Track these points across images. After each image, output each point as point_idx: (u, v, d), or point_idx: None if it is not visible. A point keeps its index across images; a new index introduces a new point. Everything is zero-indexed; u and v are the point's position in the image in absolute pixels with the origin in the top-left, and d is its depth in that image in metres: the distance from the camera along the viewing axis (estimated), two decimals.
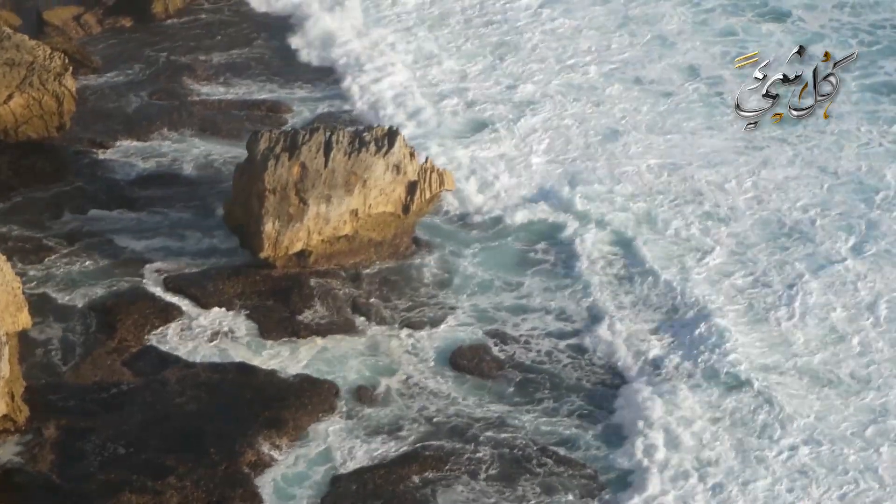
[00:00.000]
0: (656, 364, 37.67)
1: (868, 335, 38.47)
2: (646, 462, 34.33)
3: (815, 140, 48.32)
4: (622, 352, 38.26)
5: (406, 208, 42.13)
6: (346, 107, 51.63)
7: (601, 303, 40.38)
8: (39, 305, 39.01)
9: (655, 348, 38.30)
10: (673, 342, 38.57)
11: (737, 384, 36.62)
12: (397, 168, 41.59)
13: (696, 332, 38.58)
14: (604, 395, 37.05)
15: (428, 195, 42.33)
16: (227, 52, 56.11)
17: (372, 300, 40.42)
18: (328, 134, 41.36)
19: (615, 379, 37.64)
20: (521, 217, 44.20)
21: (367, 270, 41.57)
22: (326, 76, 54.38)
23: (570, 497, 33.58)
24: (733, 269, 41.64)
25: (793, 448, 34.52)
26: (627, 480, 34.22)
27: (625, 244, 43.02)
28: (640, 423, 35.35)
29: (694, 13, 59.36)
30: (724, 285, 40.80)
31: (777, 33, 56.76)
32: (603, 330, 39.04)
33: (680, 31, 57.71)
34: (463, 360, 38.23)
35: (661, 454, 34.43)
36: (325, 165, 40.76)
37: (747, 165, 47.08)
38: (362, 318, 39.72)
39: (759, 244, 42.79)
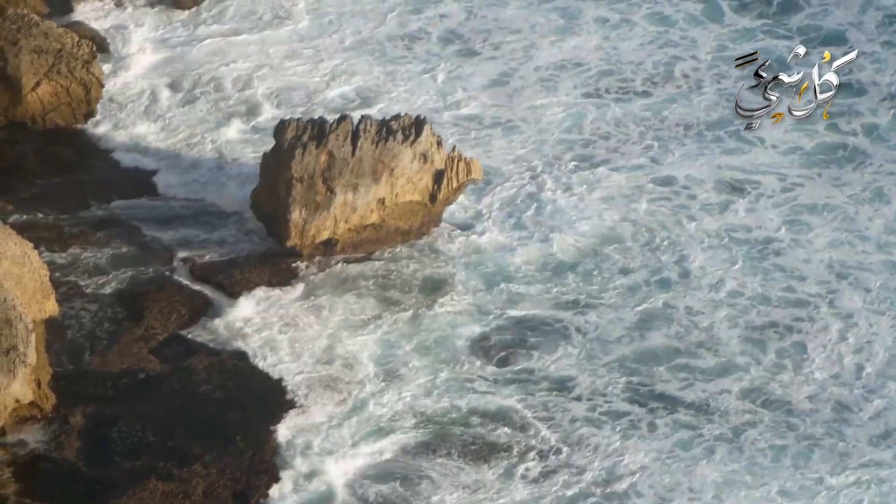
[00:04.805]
0: None
1: None
2: None
3: None
4: None
5: (433, 197, 41.96)
6: None
7: None
8: (66, 293, 39.07)
9: None
10: None
11: None
12: (424, 157, 41.42)
13: None
14: None
15: (455, 184, 42.13)
16: None
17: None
18: (356, 122, 41.27)
19: None
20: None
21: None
22: None
23: None
24: None
25: None
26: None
27: None
28: None
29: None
30: None
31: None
32: None
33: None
34: (487, 345, 38.21)
35: None
36: (353, 154, 40.63)
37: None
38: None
39: None
